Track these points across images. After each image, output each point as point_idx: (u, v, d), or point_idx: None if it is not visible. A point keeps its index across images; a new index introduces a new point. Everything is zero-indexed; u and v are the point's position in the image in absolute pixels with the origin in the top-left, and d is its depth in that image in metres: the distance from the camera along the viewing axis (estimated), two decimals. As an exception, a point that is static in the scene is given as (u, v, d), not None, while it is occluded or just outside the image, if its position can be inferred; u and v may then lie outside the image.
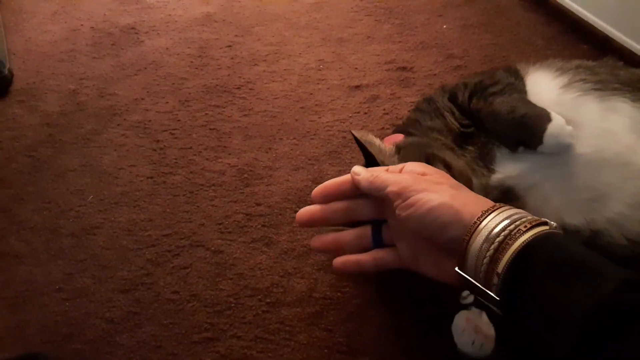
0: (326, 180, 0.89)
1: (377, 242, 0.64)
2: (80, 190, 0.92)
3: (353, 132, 0.68)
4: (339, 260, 0.65)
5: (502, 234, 0.49)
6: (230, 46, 1.21)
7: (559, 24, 1.19)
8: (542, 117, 0.66)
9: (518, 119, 0.67)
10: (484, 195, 0.66)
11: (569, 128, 0.66)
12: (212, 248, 0.82)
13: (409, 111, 0.99)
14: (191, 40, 1.24)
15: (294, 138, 0.99)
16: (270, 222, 0.85)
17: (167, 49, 1.22)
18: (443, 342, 0.68)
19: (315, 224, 0.67)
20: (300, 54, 1.18)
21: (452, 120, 0.73)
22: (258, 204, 0.88)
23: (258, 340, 0.71)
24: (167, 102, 1.08)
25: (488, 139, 0.71)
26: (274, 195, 0.89)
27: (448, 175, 0.60)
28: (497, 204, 0.54)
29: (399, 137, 0.75)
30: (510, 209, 0.52)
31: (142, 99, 1.09)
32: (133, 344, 0.71)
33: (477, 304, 0.62)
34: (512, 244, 0.48)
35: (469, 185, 0.67)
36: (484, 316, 0.62)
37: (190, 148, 0.98)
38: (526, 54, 1.13)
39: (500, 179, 0.69)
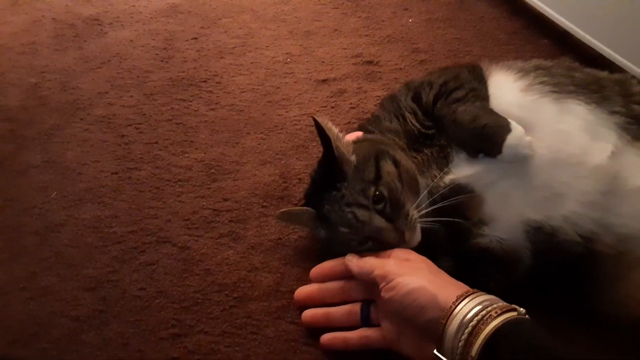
0: (293, 174, 0.91)
1: (365, 320, 0.68)
2: (43, 187, 0.91)
3: (315, 117, 0.70)
4: (326, 337, 0.69)
5: (475, 318, 0.55)
6: (196, 38, 1.20)
7: (521, 19, 1.21)
8: (502, 128, 0.68)
9: (479, 128, 0.70)
10: (430, 195, 0.70)
11: (528, 139, 0.68)
12: (179, 244, 0.82)
13: (375, 105, 1.01)
14: (156, 32, 1.22)
15: (261, 132, 0.99)
16: (237, 217, 0.85)
17: (131, 40, 1.20)
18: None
19: (312, 302, 0.72)
20: (267, 46, 1.18)
21: (414, 121, 0.75)
22: (225, 199, 0.88)
23: (225, 335, 0.72)
24: (132, 96, 1.07)
25: (448, 142, 0.73)
26: (241, 190, 0.89)
27: (429, 261, 0.66)
28: (471, 289, 0.59)
29: (359, 135, 0.77)
30: (483, 294, 0.58)
31: (106, 92, 1.08)
32: (99, 342, 0.71)
33: None
34: (484, 328, 0.54)
35: (414, 183, 0.71)
36: None
37: (156, 143, 0.97)
38: (489, 49, 1.15)
39: (453, 179, 0.71)
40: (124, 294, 0.76)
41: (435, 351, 0.57)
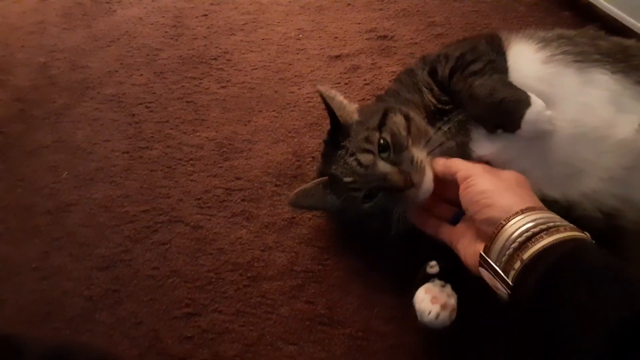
0: (306, 152, 0.89)
1: (455, 220, 0.66)
2: (54, 166, 0.90)
3: (318, 87, 0.69)
4: (419, 216, 0.68)
5: (539, 226, 0.52)
6: (206, 15, 1.18)
7: (541, -10, 1.17)
8: (521, 102, 0.65)
9: (497, 103, 0.66)
10: None
11: (548, 113, 0.65)
12: (192, 223, 0.81)
13: (389, 81, 0.98)
14: (165, 9, 1.20)
15: (274, 110, 0.97)
16: (250, 196, 0.84)
17: (140, 18, 1.18)
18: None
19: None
20: (278, 22, 1.15)
21: (430, 97, 0.72)
22: (238, 178, 0.86)
23: (240, 314, 0.71)
24: (142, 75, 1.05)
25: (466, 118, 0.70)
26: (254, 169, 0.87)
27: (521, 178, 0.62)
28: (546, 208, 0.56)
29: None
30: (556, 215, 0.55)
31: (116, 71, 1.06)
32: (113, 321, 0.71)
33: (441, 276, 0.64)
34: (546, 237, 0.51)
35: (423, 137, 0.68)
36: (447, 288, 0.64)
37: (167, 122, 0.96)
38: (508, 21, 1.11)
39: (474, 158, 0.68)
40: (137, 274, 0.75)
41: (481, 251, 0.56)
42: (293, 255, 0.76)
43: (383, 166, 0.65)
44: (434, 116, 0.72)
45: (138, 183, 0.86)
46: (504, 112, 0.66)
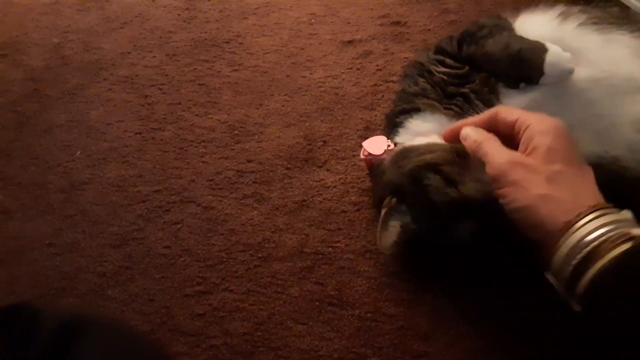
0: (317, 137, 0.89)
1: None
2: (68, 145, 0.91)
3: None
4: None
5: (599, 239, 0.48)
6: (219, -2, 1.18)
7: (556, -22, 1.16)
8: (538, 49, 0.64)
9: (514, 54, 0.65)
10: None
11: (567, 54, 0.63)
12: (203, 204, 0.81)
13: (401, 67, 0.98)
14: (178, -8, 1.20)
15: (285, 94, 0.97)
16: (261, 178, 0.84)
17: (153, 1, 1.18)
18: (434, 294, 0.69)
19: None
20: (291, 7, 1.15)
21: (441, 69, 0.71)
22: (249, 161, 0.87)
23: (250, 294, 0.72)
24: (155, 57, 1.05)
25: (489, 75, 0.68)
26: (265, 151, 0.88)
27: (564, 154, 0.55)
28: (596, 205, 0.51)
29: (382, 139, 0.73)
30: (608, 213, 0.50)
31: (129, 53, 1.06)
32: (125, 298, 0.72)
33: None
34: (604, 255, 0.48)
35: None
36: None
37: (179, 104, 0.96)
38: (523, 10, 1.10)
39: None
40: (149, 252, 0.76)
41: (546, 274, 0.53)
42: (303, 237, 0.77)
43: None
44: (452, 83, 0.71)
45: (150, 163, 0.87)
46: (524, 61, 0.64)
